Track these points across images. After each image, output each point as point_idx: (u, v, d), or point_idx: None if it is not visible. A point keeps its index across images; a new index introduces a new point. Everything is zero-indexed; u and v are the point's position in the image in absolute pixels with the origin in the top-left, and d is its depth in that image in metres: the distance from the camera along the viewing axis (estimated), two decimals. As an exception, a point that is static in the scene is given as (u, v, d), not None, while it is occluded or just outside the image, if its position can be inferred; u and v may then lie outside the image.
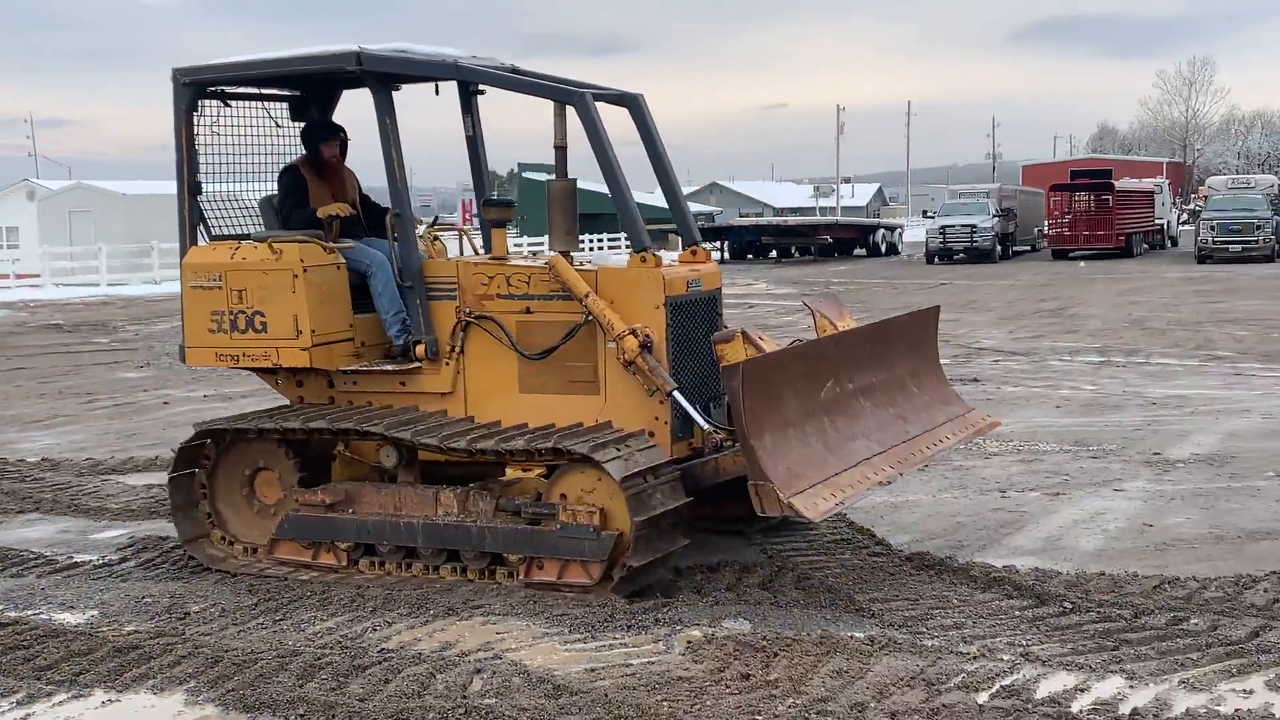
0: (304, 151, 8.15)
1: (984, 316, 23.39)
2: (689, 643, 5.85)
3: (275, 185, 8.14)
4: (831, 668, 5.48)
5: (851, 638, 5.81)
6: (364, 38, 7.45)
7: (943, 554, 7.31)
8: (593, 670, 5.57)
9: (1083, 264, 40.87)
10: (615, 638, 6.01)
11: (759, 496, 6.16)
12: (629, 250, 7.13)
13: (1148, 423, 11.58)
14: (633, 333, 6.79)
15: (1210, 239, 38.89)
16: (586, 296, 6.90)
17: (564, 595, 6.58)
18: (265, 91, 8.26)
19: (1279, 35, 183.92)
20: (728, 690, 5.28)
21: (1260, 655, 5.53)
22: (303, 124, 8.32)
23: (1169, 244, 51.46)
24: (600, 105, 7.12)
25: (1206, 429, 11.18)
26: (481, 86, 8.14)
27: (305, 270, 7.35)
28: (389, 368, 7.50)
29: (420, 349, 7.36)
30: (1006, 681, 5.30)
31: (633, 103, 7.61)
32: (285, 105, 8.43)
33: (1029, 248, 50.90)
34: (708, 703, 5.15)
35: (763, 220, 64.39)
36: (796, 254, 52.56)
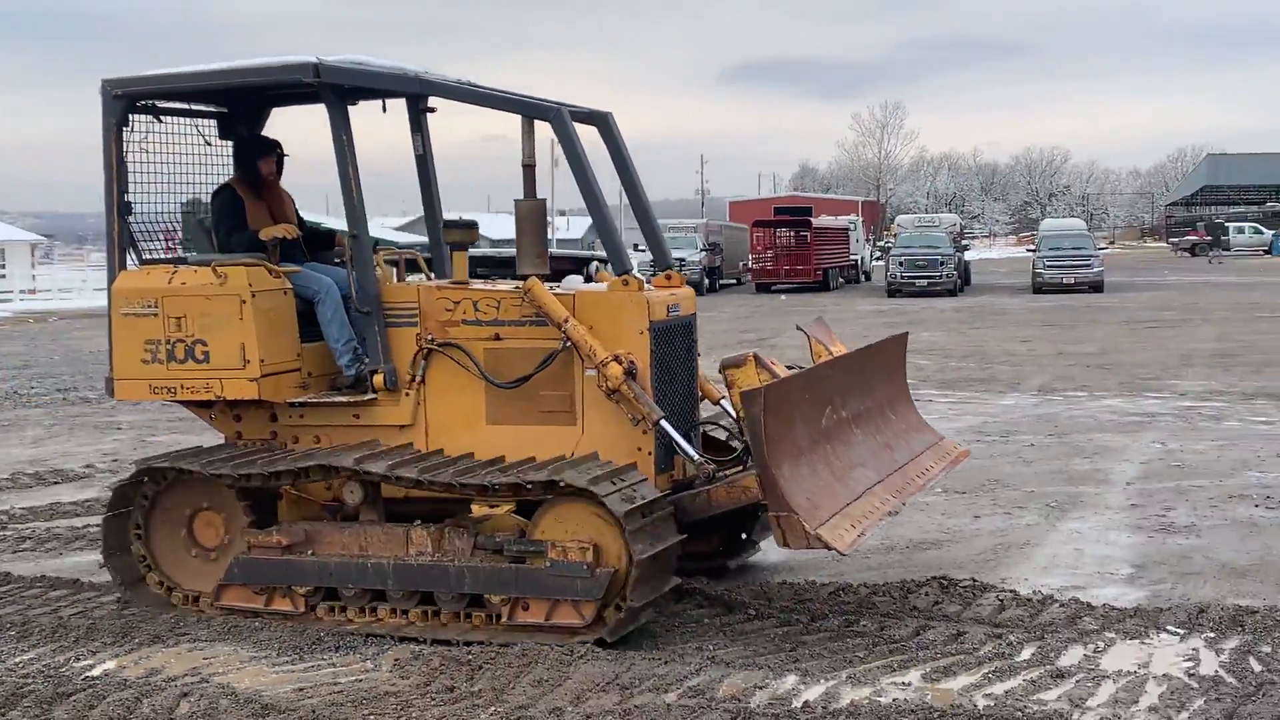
0: (236, 170, 7.68)
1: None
2: (396, 660, 6.07)
3: (202, 206, 7.69)
4: (532, 677, 5.78)
5: (552, 649, 6.14)
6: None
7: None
8: (301, 690, 5.73)
9: (783, 297, 42.66)
10: (323, 658, 6.17)
11: (782, 529, 5.94)
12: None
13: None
14: (616, 359, 6.49)
15: (899, 274, 41.22)
16: (566, 322, 6.58)
17: (267, 621, 6.64)
18: (195, 107, 7.79)
19: (962, 83, 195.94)
20: (433, 702, 5.53)
21: (919, 651, 6.13)
22: (231, 141, 7.87)
23: (863, 278, 54.23)
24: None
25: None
26: (432, 103, 7.78)
27: (254, 296, 6.88)
28: (342, 399, 7.02)
29: (379, 379, 6.91)
30: (693, 682, 5.72)
31: (602, 121, 7.38)
32: (213, 122, 7.96)
33: (735, 281, 52.74)
34: (414, 714, 5.40)
35: (478, 251, 64.58)
36: (511, 284, 52.88)
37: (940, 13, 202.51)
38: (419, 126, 7.91)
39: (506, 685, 5.71)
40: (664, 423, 6.51)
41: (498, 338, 6.84)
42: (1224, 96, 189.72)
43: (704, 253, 46.80)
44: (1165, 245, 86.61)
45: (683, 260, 45.04)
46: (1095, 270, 40.50)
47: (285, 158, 7.77)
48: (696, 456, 6.66)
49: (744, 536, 7.71)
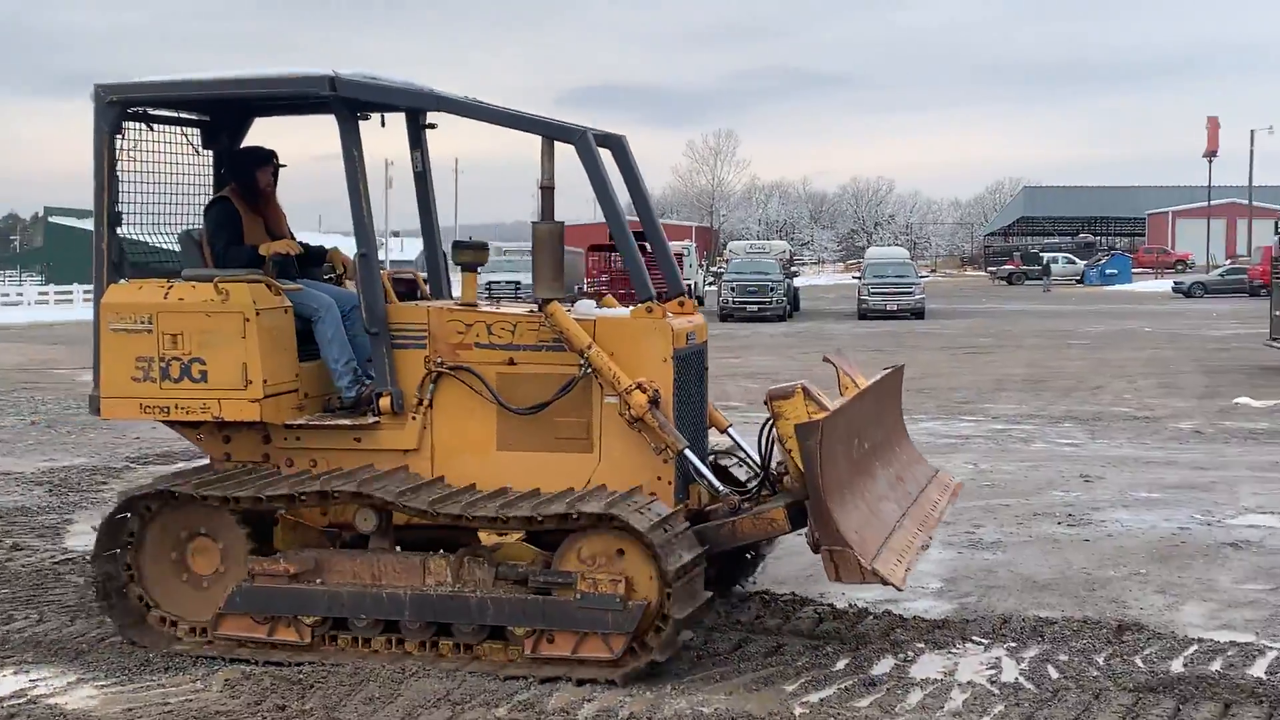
0: (230, 181, 7.39)
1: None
2: (227, 680, 6.10)
3: (185, 218, 7.45)
4: (364, 695, 5.88)
5: (384, 668, 6.23)
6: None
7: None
8: (130, 710, 5.73)
9: (618, 321, 43.00)
10: (153, 679, 6.17)
11: (835, 563, 5.88)
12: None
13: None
14: (639, 387, 6.37)
15: (730, 299, 42.01)
16: (589, 348, 6.45)
17: (94, 643, 6.56)
18: (183, 116, 7.50)
19: (793, 113, 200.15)
20: (264, 720, 5.60)
21: (741, 663, 6.39)
22: (212, 151, 7.62)
23: (697, 303, 54.94)
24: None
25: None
26: (431, 120, 7.61)
27: (258, 314, 6.60)
28: (345, 422, 6.77)
29: (385, 402, 6.68)
30: (523, 697, 5.87)
31: (617, 144, 7.27)
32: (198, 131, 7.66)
33: (570, 305, 52.97)
34: (245, 732, 5.45)
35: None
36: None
37: (773, 43, 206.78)
38: (418, 143, 7.72)
39: (338, 703, 5.79)
40: (688, 452, 6.46)
41: (512, 362, 6.67)
42: (1040, 131, 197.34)
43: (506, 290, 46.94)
44: (984, 274, 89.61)
45: (518, 284, 45.21)
46: (917, 298, 41.86)
47: (282, 168, 7.54)
48: (722, 488, 6.62)
49: (749, 555, 7.61)
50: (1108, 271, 71.63)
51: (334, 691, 5.93)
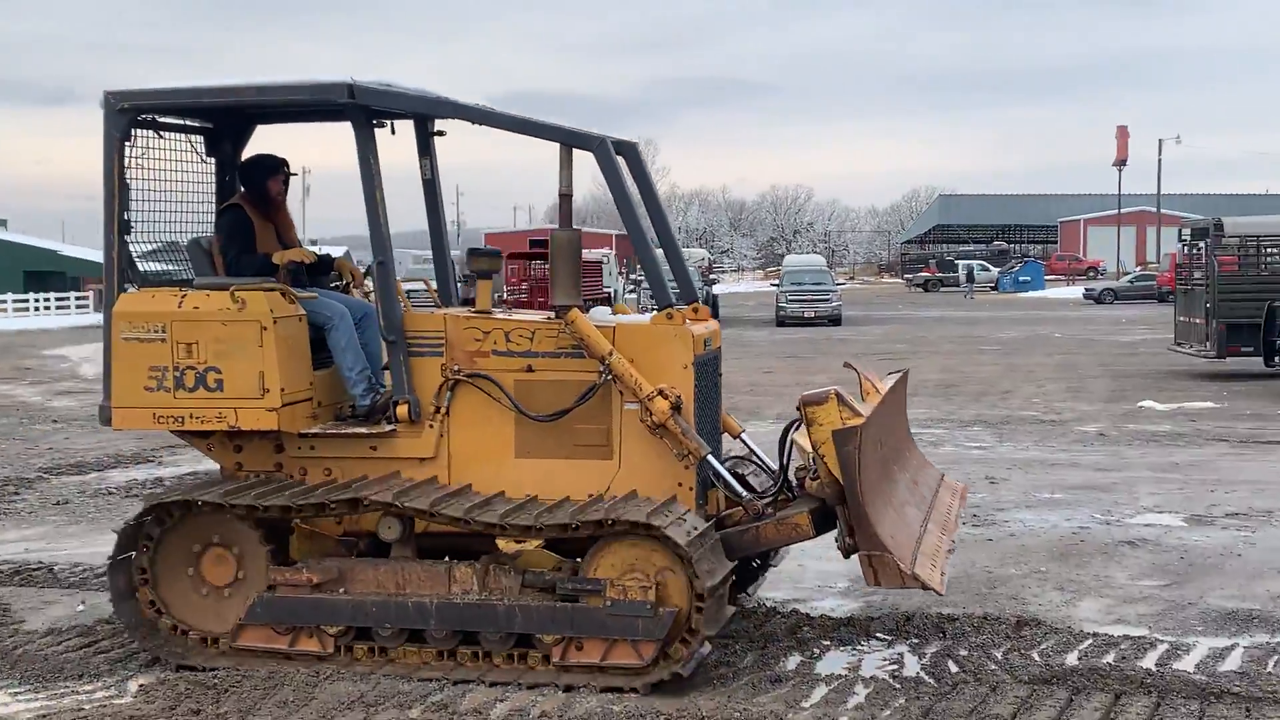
0: (242, 189, 7.34)
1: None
2: (141, 685, 6.15)
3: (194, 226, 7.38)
4: (278, 699, 5.95)
5: (299, 671, 6.29)
6: None
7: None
8: (45, 718, 5.75)
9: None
10: (67, 686, 6.20)
11: (874, 568, 5.97)
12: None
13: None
14: (661, 394, 6.39)
15: (650, 307, 42.06)
16: (611, 355, 6.45)
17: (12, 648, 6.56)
18: (188, 124, 7.41)
19: (713, 122, 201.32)
20: (178, 724, 5.66)
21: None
22: (215, 159, 7.57)
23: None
24: (581, 153, 6.65)
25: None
26: (440, 126, 7.58)
27: (275, 322, 6.57)
28: (362, 430, 6.74)
29: (402, 410, 6.65)
30: (437, 698, 5.99)
31: (630, 151, 7.20)
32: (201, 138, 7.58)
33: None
34: (160, 737, 5.51)
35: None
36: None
37: (692, 52, 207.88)
38: (427, 150, 7.71)
39: (252, 707, 5.87)
40: (711, 458, 6.52)
41: (530, 369, 6.66)
42: (956, 140, 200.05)
43: (461, 284, 46.82)
44: (901, 281, 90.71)
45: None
46: (834, 305, 42.31)
47: (293, 176, 7.51)
48: (745, 494, 6.66)
49: (754, 564, 7.55)
50: (1021, 278, 72.75)
51: (248, 695, 6.00)
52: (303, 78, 6.73)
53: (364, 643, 6.42)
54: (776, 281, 47.43)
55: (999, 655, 6.66)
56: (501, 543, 6.47)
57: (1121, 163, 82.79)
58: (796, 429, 6.85)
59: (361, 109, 6.64)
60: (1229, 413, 17.01)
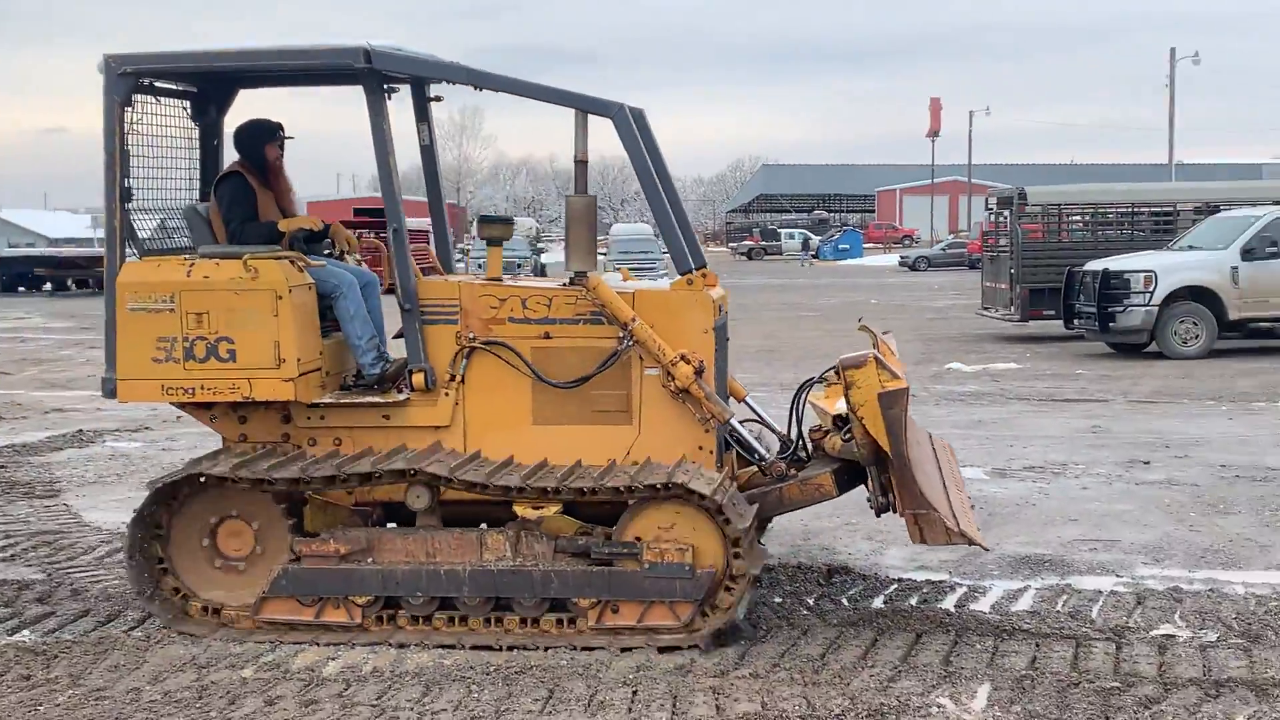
0: (239, 155, 7.16)
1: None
2: (-32, 655, 6.13)
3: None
4: (109, 663, 6.03)
5: (129, 634, 6.35)
6: None
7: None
8: None
9: (363, 298, 42.68)
10: (-112, 659, 6.14)
11: (920, 525, 6.18)
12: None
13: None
14: (684, 358, 6.45)
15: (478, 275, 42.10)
16: (634, 321, 6.48)
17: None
18: (177, 88, 7.20)
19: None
20: (9, 689, 5.70)
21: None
22: (198, 124, 7.38)
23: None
24: (597, 120, 6.65)
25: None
26: (434, 93, 7.51)
27: (290, 291, 6.46)
28: (376, 399, 6.68)
29: (419, 378, 6.60)
30: (269, 658, 6.13)
31: (640, 117, 7.17)
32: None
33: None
34: (-12, 704, 5.53)
35: (35, 251, 60.88)
36: (74, 286, 50.33)
37: (514, 19, 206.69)
38: (424, 116, 7.61)
39: (83, 671, 5.93)
40: (734, 421, 6.66)
41: (547, 336, 6.66)
42: (779, 111, 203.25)
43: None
44: (726, 250, 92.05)
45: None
46: (660, 273, 42.81)
47: (289, 140, 7.34)
48: (768, 455, 6.79)
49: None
50: (840, 247, 74.53)
51: (79, 660, 6.05)
52: (319, 42, 6.68)
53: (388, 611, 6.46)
54: (604, 250, 47.75)
55: (810, 601, 7.04)
56: (520, 509, 6.44)
57: (934, 134, 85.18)
58: (809, 390, 7.15)
59: (376, 74, 6.58)
60: (1030, 373, 17.90)
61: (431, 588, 6.38)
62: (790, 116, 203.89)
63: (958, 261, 57.02)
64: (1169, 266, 19.47)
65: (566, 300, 6.65)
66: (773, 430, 7.58)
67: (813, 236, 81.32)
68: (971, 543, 6.34)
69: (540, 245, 54.82)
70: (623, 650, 6.17)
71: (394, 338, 6.95)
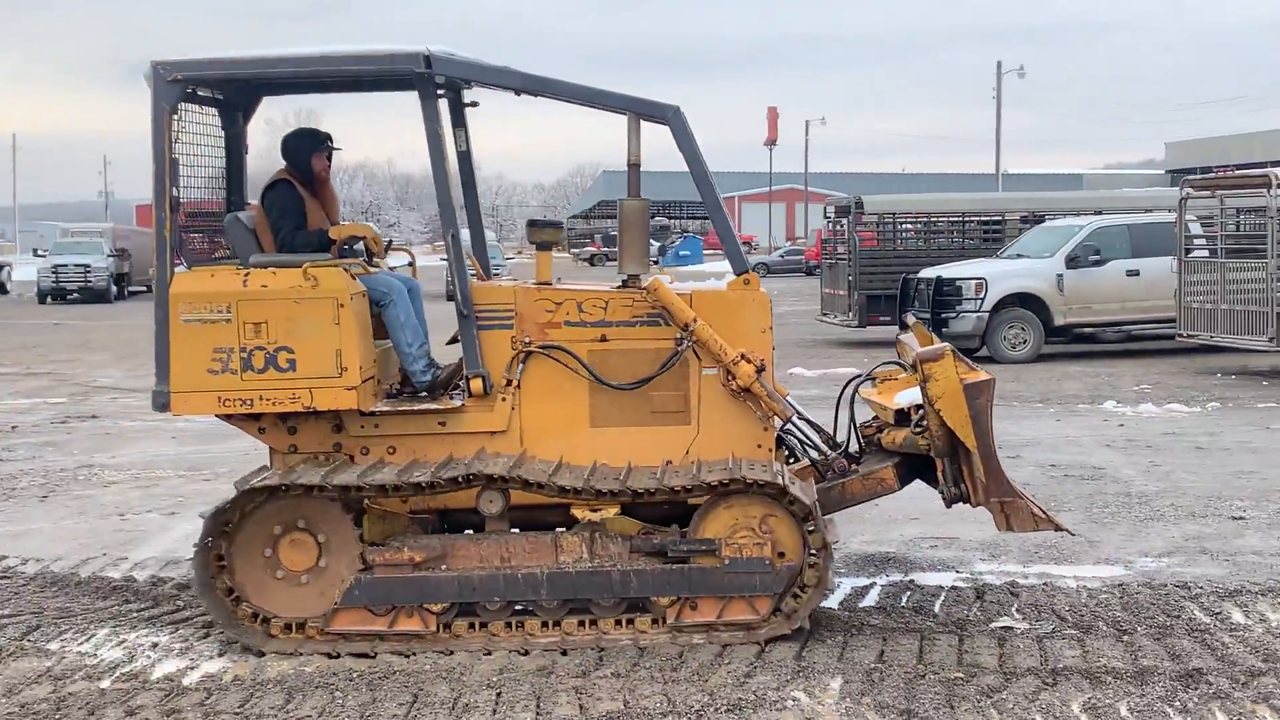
0: (287, 164, 7.08)
1: (101, 355, 23.46)
2: None
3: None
4: (-40, 679, 5.88)
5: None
6: None
7: (66, 571, 7.88)
8: None
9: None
10: None
11: (1006, 514, 6.34)
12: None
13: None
14: (744, 358, 6.53)
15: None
16: (695, 322, 6.52)
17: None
18: (210, 95, 7.01)
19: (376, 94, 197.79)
20: None
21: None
22: (226, 132, 7.26)
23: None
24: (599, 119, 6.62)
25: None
26: (469, 99, 7.40)
27: (351, 299, 6.36)
28: (432, 406, 6.60)
29: (477, 384, 6.52)
30: (127, 669, 6.06)
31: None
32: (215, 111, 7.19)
33: (146, 288, 50.86)
34: None
35: None
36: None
37: (344, 20, 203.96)
38: (460, 122, 7.49)
39: (-68, 689, 5.78)
40: (795, 419, 6.75)
41: (604, 339, 6.67)
42: (617, 117, 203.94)
43: (112, 258, 44.87)
44: (568, 255, 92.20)
45: (88, 266, 43.05)
46: (505, 281, 42.77)
47: (337, 151, 7.27)
48: (831, 452, 6.94)
49: None
50: (681, 253, 75.11)
51: (-74, 678, 5.90)
52: (377, 47, 6.59)
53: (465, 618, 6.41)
54: (444, 256, 47.54)
55: (667, 602, 7.19)
56: (578, 510, 6.43)
57: (772, 143, 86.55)
58: (857, 387, 7.39)
59: (431, 80, 6.53)
60: (870, 378, 18.35)
61: (509, 592, 6.36)
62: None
63: (795, 268, 58.07)
64: (998, 274, 20.21)
65: (623, 303, 6.71)
66: (817, 428, 7.66)
67: (654, 243, 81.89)
68: (1059, 528, 6.56)
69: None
70: (485, 654, 6.25)
71: (447, 344, 6.98)
